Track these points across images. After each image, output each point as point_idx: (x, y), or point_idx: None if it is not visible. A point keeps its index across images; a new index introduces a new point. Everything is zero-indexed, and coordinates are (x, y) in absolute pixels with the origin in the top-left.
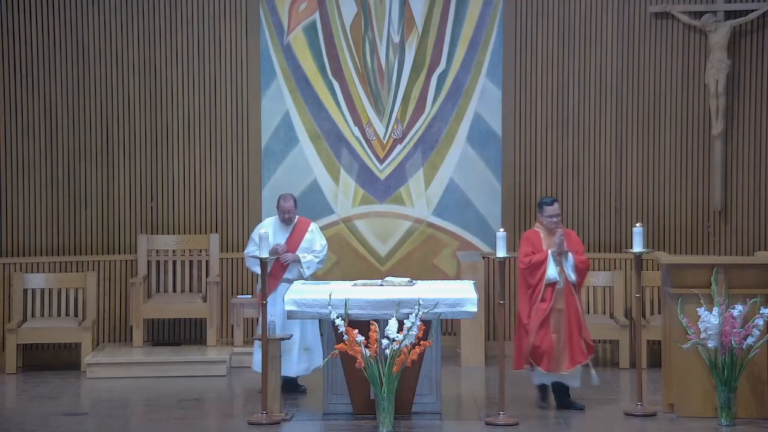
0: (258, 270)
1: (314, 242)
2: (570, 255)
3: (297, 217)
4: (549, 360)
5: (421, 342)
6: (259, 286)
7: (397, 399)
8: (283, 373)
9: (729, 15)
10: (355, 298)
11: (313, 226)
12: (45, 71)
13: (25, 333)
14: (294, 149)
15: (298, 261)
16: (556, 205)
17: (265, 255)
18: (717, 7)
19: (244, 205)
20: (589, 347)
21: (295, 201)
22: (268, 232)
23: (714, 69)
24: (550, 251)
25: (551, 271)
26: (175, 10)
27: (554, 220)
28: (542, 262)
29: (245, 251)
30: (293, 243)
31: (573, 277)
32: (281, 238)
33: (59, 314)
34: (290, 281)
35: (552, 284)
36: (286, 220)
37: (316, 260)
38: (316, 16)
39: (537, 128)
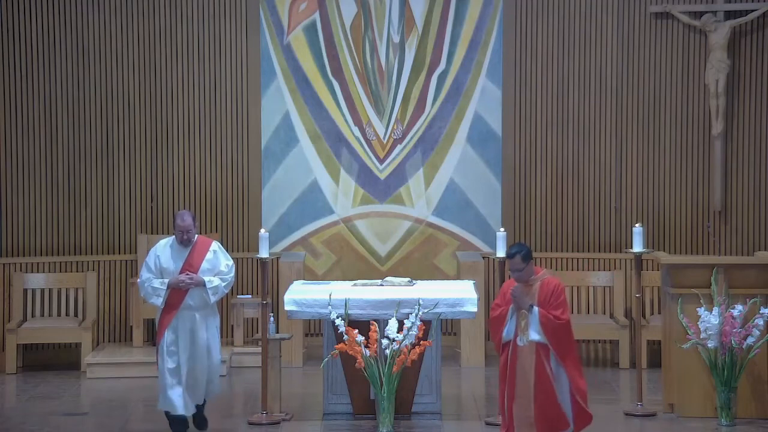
0: (158, 301)
1: (218, 263)
2: (535, 310)
3: (196, 236)
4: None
5: (421, 342)
6: (157, 320)
7: (397, 399)
8: (169, 409)
9: (729, 15)
10: (355, 298)
11: (216, 245)
12: (45, 71)
13: (25, 333)
14: (294, 149)
15: (202, 285)
16: (517, 258)
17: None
18: (717, 7)
19: (244, 205)
20: (579, 418)
21: (193, 218)
22: (161, 256)
23: (714, 69)
24: (510, 306)
25: (508, 328)
26: (175, 10)
27: (515, 274)
28: (503, 318)
29: (139, 279)
30: (193, 265)
31: (535, 336)
32: (178, 261)
33: (59, 314)
34: (193, 309)
35: (515, 342)
36: (184, 241)
37: (224, 284)
38: (316, 16)
39: (537, 128)
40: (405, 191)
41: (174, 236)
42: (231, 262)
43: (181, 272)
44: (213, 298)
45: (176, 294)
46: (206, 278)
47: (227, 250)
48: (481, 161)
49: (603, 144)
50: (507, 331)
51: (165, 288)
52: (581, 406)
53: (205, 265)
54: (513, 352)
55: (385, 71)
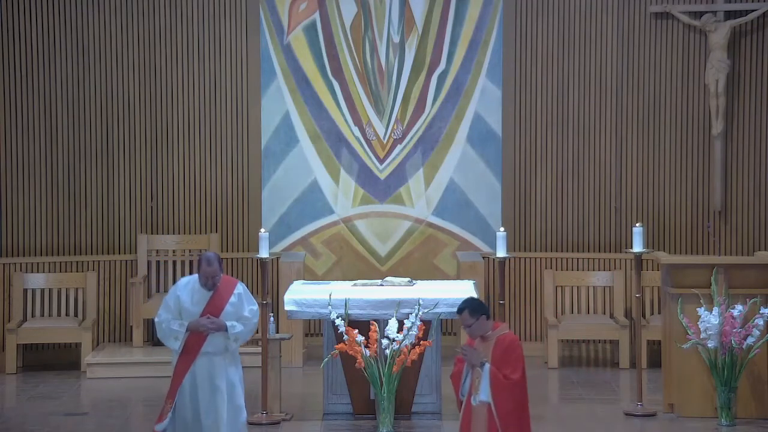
0: (176, 345)
1: (242, 307)
2: (486, 368)
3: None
4: None
5: (421, 342)
6: (173, 366)
7: (397, 399)
8: None
9: (729, 15)
10: (355, 298)
11: (241, 287)
12: (45, 71)
13: (25, 333)
14: (294, 149)
15: (223, 330)
16: (465, 313)
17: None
18: (717, 7)
19: (244, 205)
20: None
21: (220, 262)
22: (182, 296)
23: (714, 69)
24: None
25: (464, 386)
26: (175, 10)
27: (467, 330)
28: (460, 374)
29: (156, 318)
30: (215, 308)
31: (482, 396)
32: (200, 303)
33: (59, 314)
34: (211, 355)
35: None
36: (208, 285)
37: (246, 329)
38: (316, 16)
39: (537, 128)
40: (405, 191)
41: (196, 275)
42: (255, 307)
43: (202, 315)
44: (234, 345)
45: (195, 338)
46: (228, 323)
47: (227, 250)
48: (481, 161)
49: (603, 144)
50: (462, 390)
51: (184, 330)
52: None
53: (228, 308)
54: (467, 412)
55: (385, 71)
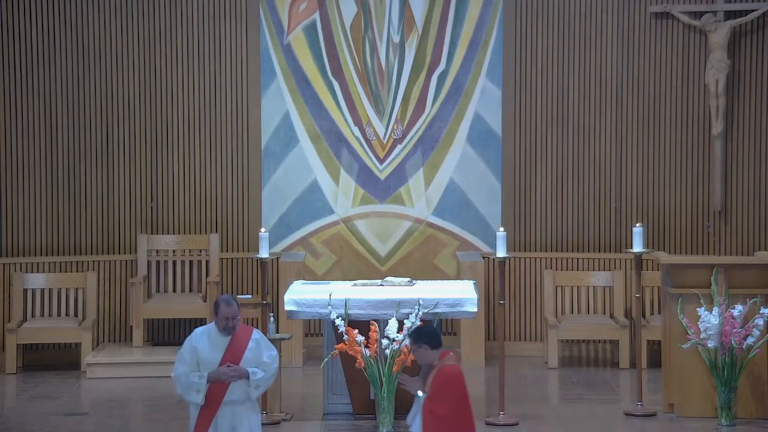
0: (198, 398)
1: (260, 353)
2: (419, 399)
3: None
4: None
5: None
6: (192, 418)
7: (397, 399)
8: None
9: (729, 15)
10: (355, 298)
11: (257, 334)
12: (45, 71)
13: (25, 333)
14: (294, 149)
15: (245, 377)
16: (408, 340)
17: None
18: (717, 7)
19: (244, 205)
20: None
21: (238, 304)
22: (198, 346)
23: (714, 69)
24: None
25: (410, 412)
26: (175, 10)
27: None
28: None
29: (173, 373)
30: (234, 356)
31: (412, 428)
32: (218, 351)
33: (59, 314)
34: (233, 405)
35: None
36: (228, 328)
37: (267, 375)
38: (316, 16)
39: (537, 128)
40: (405, 191)
41: (210, 325)
42: (275, 353)
43: (222, 363)
44: (255, 393)
45: (217, 388)
46: (250, 369)
47: (227, 250)
48: (481, 161)
49: (603, 144)
50: (408, 416)
51: (205, 382)
52: None
53: (247, 354)
54: None
55: (385, 71)
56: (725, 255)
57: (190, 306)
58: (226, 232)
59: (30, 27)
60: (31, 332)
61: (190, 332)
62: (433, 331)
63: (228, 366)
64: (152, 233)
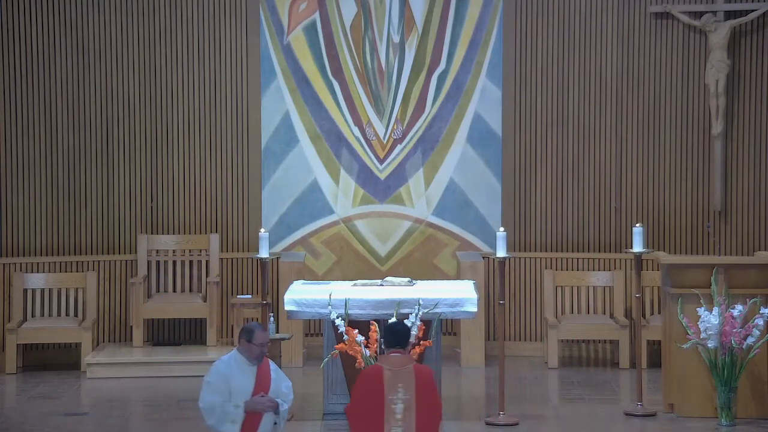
0: (234, 429)
1: (279, 383)
2: None
3: None
4: None
5: (421, 342)
6: None
7: None
8: None
9: (729, 15)
10: (355, 298)
11: (273, 365)
12: (45, 71)
13: (25, 333)
14: (294, 149)
15: (276, 408)
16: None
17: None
18: (717, 7)
19: (244, 205)
20: None
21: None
22: (230, 375)
23: (714, 69)
24: None
25: None
26: (175, 10)
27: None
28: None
29: (201, 403)
30: (263, 386)
31: None
32: (250, 381)
33: (59, 314)
34: None
35: None
36: (259, 357)
37: (287, 406)
38: (316, 16)
39: (537, 128)
40: (405, 191)
41: (231, 354)
42: (290, 383)
43: (255, 393)
44: (282, 424)
45: (251, 419)
46: (278, 400)
47: (227, 250)
48: (481, 161)
49: (603, 144)
50: None
51: (242, 412)
52: None
53: (273, 385)
54: None
55: (385, 71)
56: (725, 255)
57: (190, 306)
58: (226, 232)
59: (30, 27)
60: (31, 332)
61: (191, 332)
62: (390, 329)
63: (262, 395)
64: (152, 233)
